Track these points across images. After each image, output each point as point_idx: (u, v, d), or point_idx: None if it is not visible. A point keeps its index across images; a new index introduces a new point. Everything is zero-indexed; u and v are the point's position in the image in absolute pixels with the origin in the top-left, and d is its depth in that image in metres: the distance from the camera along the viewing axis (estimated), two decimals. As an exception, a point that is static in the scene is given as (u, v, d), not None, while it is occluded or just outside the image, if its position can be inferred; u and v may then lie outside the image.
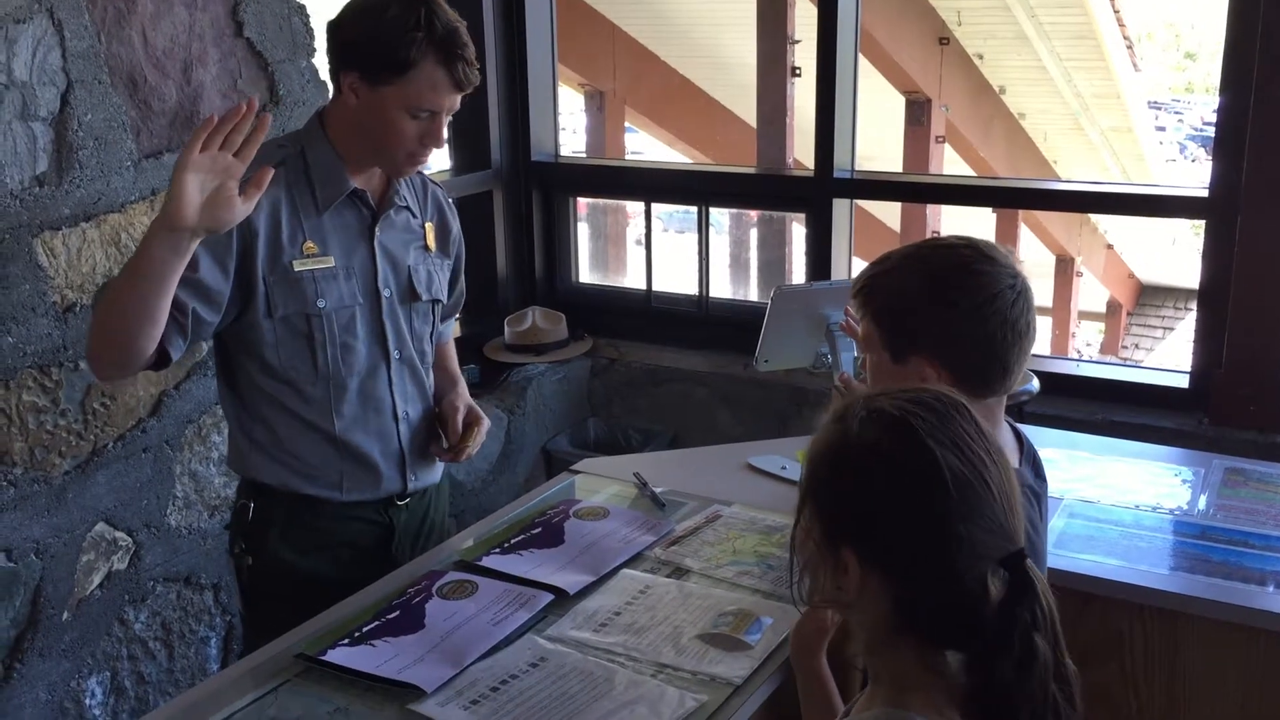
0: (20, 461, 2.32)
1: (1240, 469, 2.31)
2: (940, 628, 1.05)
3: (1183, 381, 3.05)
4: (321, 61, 2.94)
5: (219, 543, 2.73)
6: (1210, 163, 2.86)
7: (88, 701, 2.51)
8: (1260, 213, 2.72)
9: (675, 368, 3.68)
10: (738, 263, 6.58)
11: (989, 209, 7.07)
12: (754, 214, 5.85)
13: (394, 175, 1.93)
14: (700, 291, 3.76)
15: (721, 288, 3.84)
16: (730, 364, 3.62)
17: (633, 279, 4.64)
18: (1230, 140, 2.78)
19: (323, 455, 1.91)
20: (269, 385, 1.89)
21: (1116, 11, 6.48)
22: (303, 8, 2.81)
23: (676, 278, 4.13)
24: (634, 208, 5.69)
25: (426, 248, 2.01)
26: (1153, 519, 2.09)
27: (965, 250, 1.42)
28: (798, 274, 5.11)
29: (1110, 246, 9.07)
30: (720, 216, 9.40)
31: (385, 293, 1.93)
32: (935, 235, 1.70)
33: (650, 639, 1.60)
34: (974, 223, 7.23)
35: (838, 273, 3.46)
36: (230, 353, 1.89)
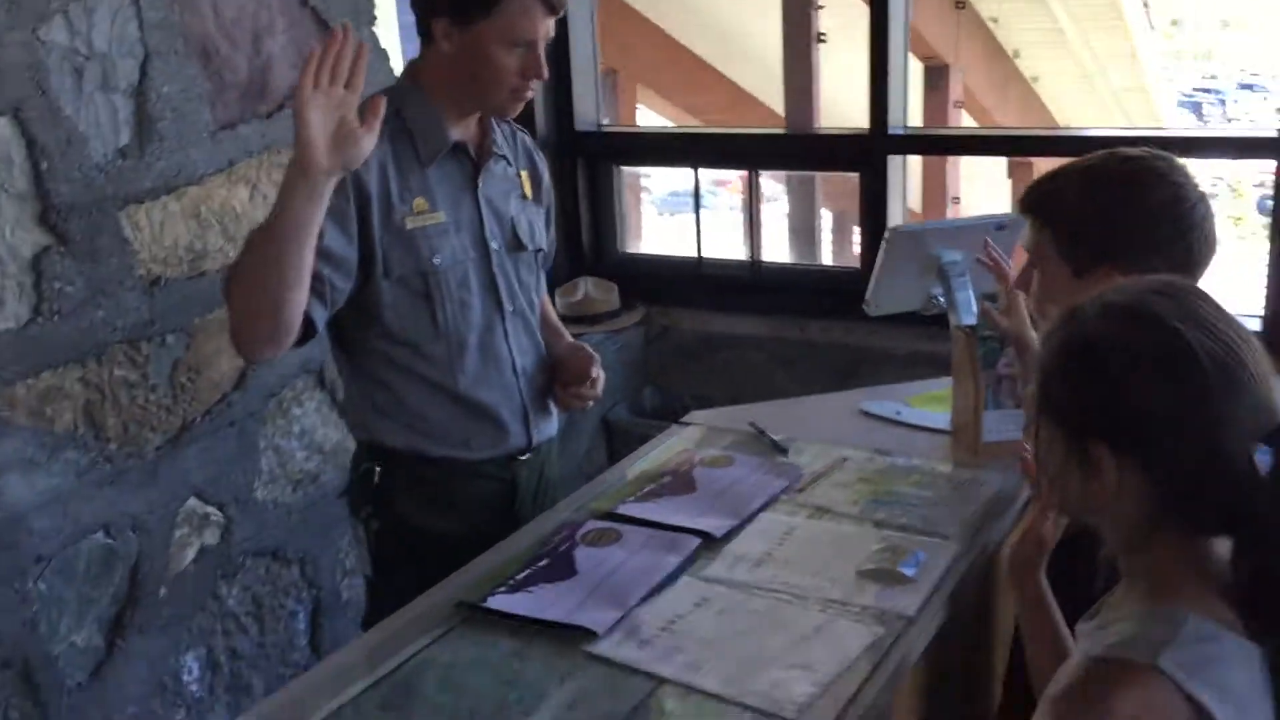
0: (115, 437, 2.30)
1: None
2: (1209, 513, 1.03)
3: (1254, 326, 3.05)
4: (382, 28, 2.93)
5: (304, 517, 2.71)
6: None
7: (185, 678, 2.49)
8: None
9: (729, 333, 3.67)
10: (769, 228, 6.54)
11: (1004, 167, 7.08)
12: (782, 177, 5.81)
13: (500, 116, 1.90)
14: (751, 256, 3.75)
15: (767, 252, 3.81)
16: (785, 327, 3.61)
17: (680, 247, 4.60)
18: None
19: (448, 414, 1.89)
20: (389, 348, 1.86)
21: (1133, -32, 6.49)
22: (364, -25, 2.78)
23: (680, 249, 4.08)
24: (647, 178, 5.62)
25: (524, 196, 1.99)
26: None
27: (1159, 160, 1.42)
28: (829, 235, 5.06)
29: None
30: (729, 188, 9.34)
31: (494, 245, 1.91)
32: (1113, 149, 1.66)
33: (809, 577, 1.60)
34: (988, 179, 7.23)
35: (894, 230, 3.45)
36: (346, 319, 1.85)
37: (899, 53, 3.33)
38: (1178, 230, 1.40)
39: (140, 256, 2.33)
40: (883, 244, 2.04)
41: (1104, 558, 1.12)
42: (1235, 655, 1.00)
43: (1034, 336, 1.69)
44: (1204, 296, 1.07)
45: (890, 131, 3.35)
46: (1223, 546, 1.05)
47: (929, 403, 2.20)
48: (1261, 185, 8.61)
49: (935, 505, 1.79)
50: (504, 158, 1.95)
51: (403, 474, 1.90)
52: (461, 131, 1.88)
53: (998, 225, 1.98)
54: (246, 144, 2.52)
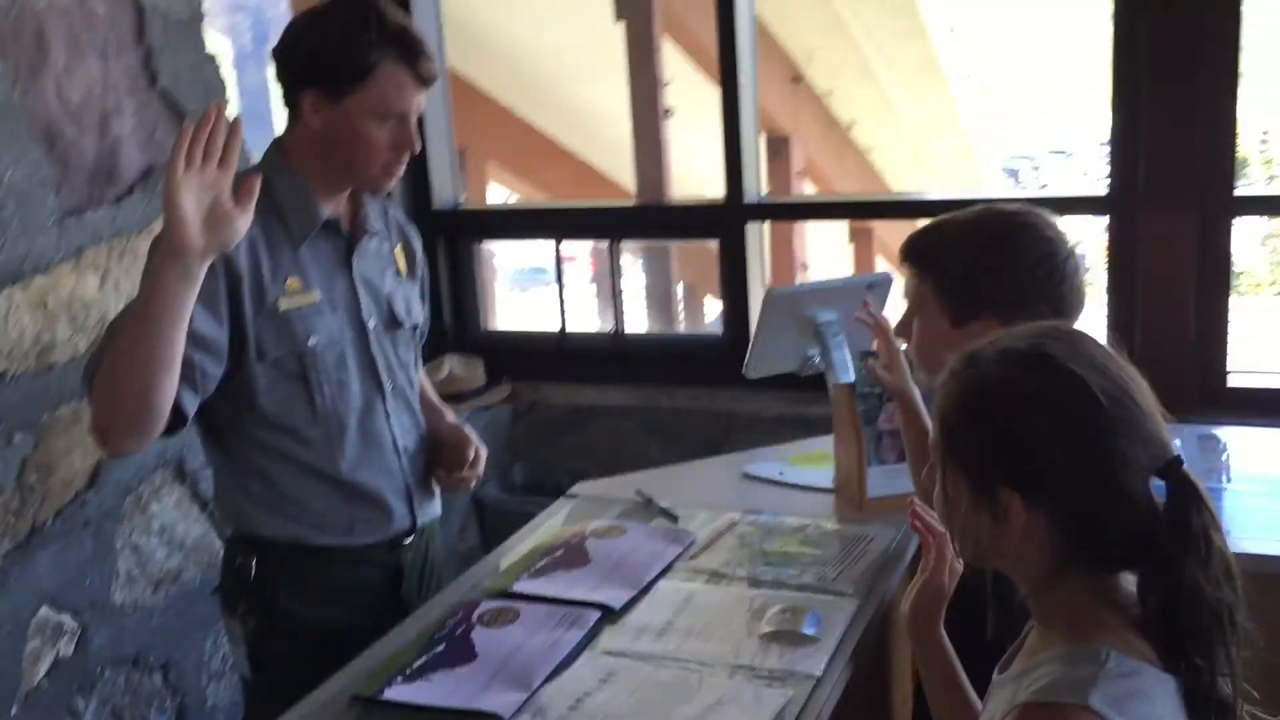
0: (-42, 546, 2.15)
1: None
2: (1114, 549, 1.06)
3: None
4: (232, 110, 2.87)
5: (165, 619, 2.57)
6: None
7: (42, 804, 2.31)
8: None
9: (597, 405, 3.65)
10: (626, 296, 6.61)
11: (845, 233, 7.33)
12: (635, 249, 5.90)
13: (372, 191, 1.85)
14: (615, 327, 3.76)
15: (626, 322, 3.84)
16: (653, 396, 3.62)
17: (535, 321, 4.61)
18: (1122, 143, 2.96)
19: (329, 500, 1.82)
20: (264, 434, 1.79)
21: (955, 42, 6.84)
22: (213, 57, 2.72)
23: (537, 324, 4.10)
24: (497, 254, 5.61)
25: (399, 272, 1.95)
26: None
27: (1032, 215, 1.48)
28: (683, 302, 5.15)
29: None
30: (584, 260, 9.40)
31: (370, 323, 1.86)
32: (990, 204, 1.73)
33: (713, 643, 1.58)
34: (830, 246, 7.48)
35: (754, 296, 3.52)
36: (218, 406, 1.77)
37: (750, 124, 3.42)
38: (1051, 281, 1.46)
39: (-18, 351, 2.20)
40: (761, 307, 2.07)
41: (995, 603, 1.14)
42: (1155, 688, 1.02)
43: (915, 389, 1.73)
44: (1091, 339, 1.11)
45: (746, 200, 3.43)
46: (1130, 580, 1.09)
47: (810, 462, 2.23)
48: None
49: (827, 563, 1.80)
50: (377, 234, 1.91)
51: (282, 565, 1.82)
52: (333, 208, 1.84)
53: (869, 284, 2.03)
54: (95, 230, 2.42)
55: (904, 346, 1.74)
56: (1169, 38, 2.83)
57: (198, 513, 2.65)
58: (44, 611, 2.31)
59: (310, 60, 1.75)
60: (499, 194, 8.70)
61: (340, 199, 1.86)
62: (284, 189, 1.79)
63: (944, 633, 1.30)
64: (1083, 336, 1.11)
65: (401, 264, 1.96)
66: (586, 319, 5.90)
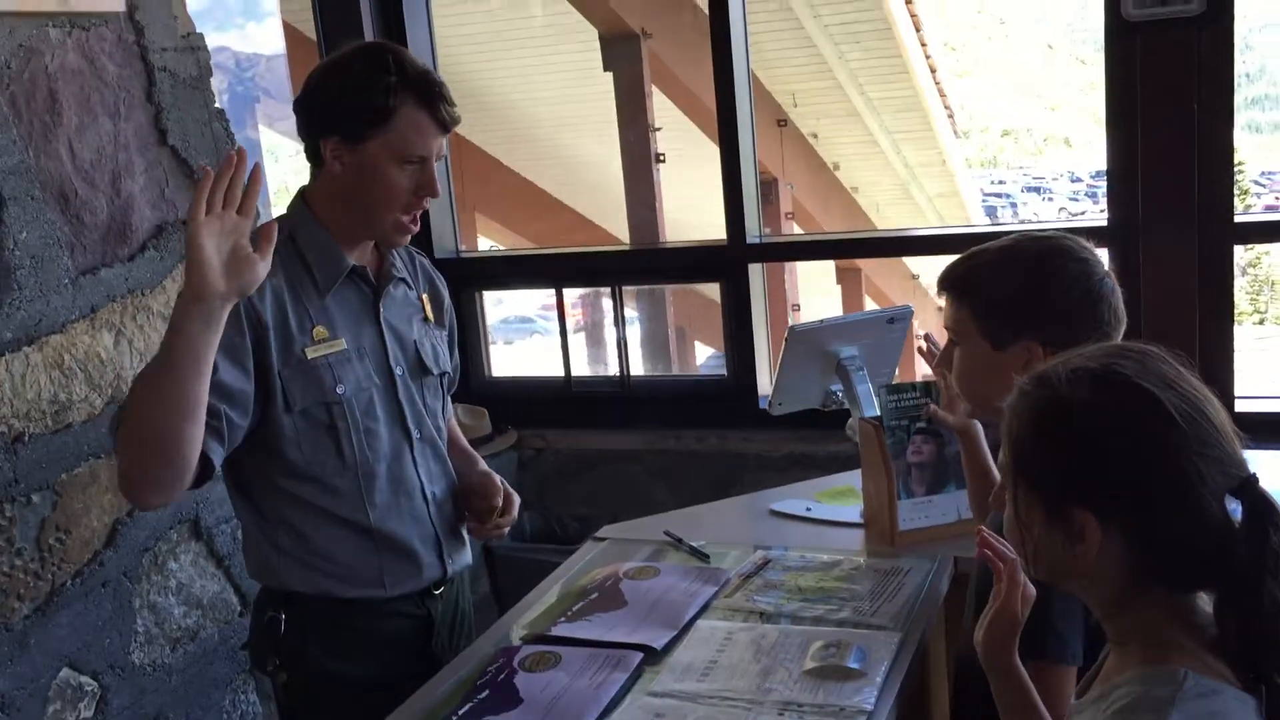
0: (-22, 609, 2.12)
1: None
2: (1192, 569, 1.05)
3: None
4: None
5: (184, 678, 2.54)
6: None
7: None
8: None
9: (604, 449, 3.65)
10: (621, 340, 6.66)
11: (832, 275, 7.38)
12: (630, 292, 5.93)
13: (392, 240, 1.85)
14: (621, 371, 3.77)
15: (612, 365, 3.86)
16: (660, 439, 3.62)
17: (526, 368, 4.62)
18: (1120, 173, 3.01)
19: (359, 551, 1.81)
20: (292, 485, 1.78)
21: (938, 83, 6.96)
22: (221, 112, 2.73)
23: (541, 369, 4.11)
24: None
25: (426, 319, 1.96)
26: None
27: (1067, 239, 1.50)
28: (680, 342, 5.16)
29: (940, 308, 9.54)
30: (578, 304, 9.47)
31: (398, 371, 1.86)
32: (1023, 232, 1.75)
33: (758, 680, 1.58)
34: (820, 288, 7.53)
35: (758, 335, 3.53)
36: (244, 458, 1.76)
37: (749, 166, 3.46)
38: (1090, 301, 1.48)
39: (1, 412, 2.18)
40: (784, 344, 2.08)
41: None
42: (1235, 708, 1.02)
43: (978, 426, 1.74)
44: (1162, 357, 1.11)
45: (748, 241, 3.46)
46: (1205, 600, 1.08)
47: (835, 497, 2.23)
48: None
49: (864, 598, 1.80)
50: (404, 280, 1.92)
51: (312, 620, 1.81)
52: (358, 256, 1.84)
53: (889, 319, 2.05)
54: (109, 288, 2.41)
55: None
56: (1163, 66, 2.88)
57: (214, 569, 2.63)
58: (64, 673, 2.28)
59: (331, 106, 1.76)
60: (484, 245, 8.73)
61: (366, 248, 1.86)
62: (309, 239, 1.80)
63: (1019, 661, 1.29)
64: (1154, 355, 1.10)
65: (429, 311, 1.96)
66: (578, 366, 5.92)
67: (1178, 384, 1.07)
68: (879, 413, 1.99)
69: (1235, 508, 1.05)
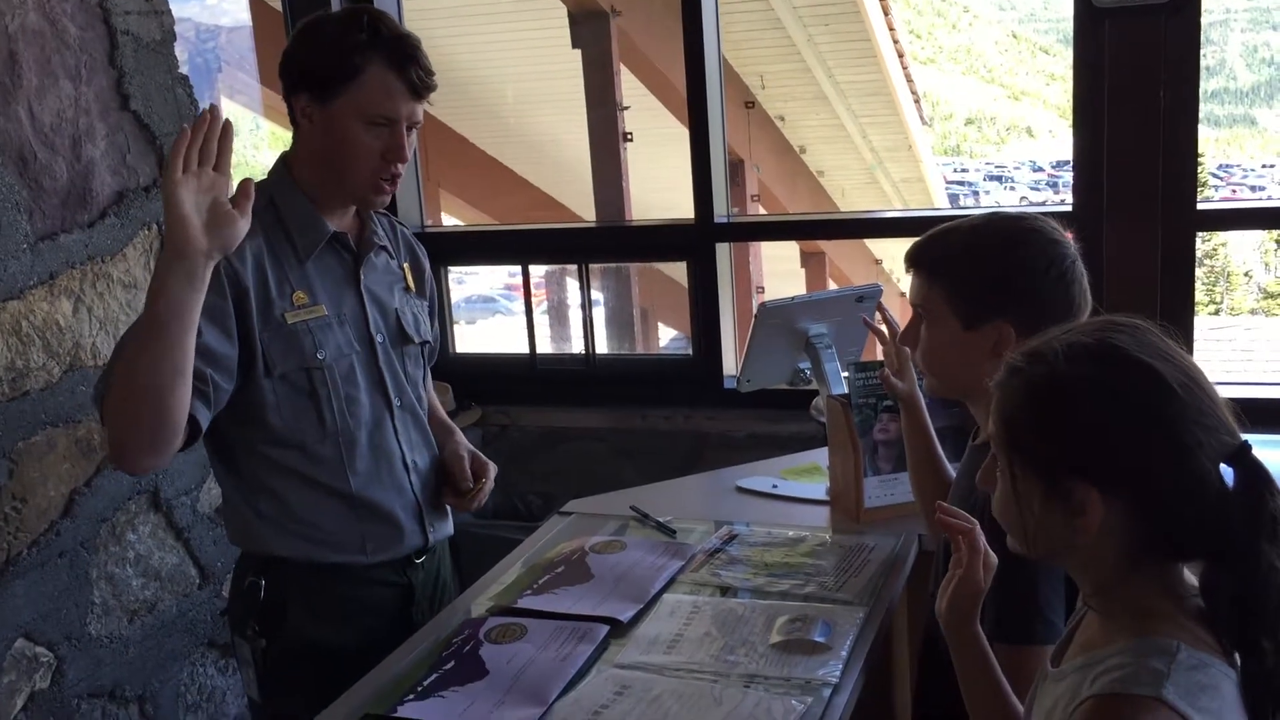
0: (-68, 578, 2.09)
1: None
2: (1190, 539, 1.06)
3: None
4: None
5: (141, 650, 2.52)
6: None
7: (17, 844, 2.24)
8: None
9: (569, 427, 3.64)
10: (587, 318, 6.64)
11: (797, 257, 7.39)
12: (594, 270, 5.92)
13: (369, 202, 1.83)
14: (586, 349, 3.76)
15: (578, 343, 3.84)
16: (624, 418, 3.62)
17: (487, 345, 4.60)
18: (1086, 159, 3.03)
19: (340, 518, 1.80)
20: (273, 452, 1.77)
21: (905, 68, 6.98)
22: (185, 78, 2.69)
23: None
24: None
25: (408, 288, 1.95)
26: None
27: (1038, 220, 1.50)
28: (644, 323, 5.16)
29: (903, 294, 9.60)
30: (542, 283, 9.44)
31: (378, 338, 1.85)
32: (995, 211, 1.74)
33: (725, 654, 1.58)
34: (783, 268, 7.54)
35: (724, 315, 3.53)
36: (226, 423, 1.74)
37: (719, 146, 3.45)
38: (1064, 283, 1.49)
39: (-44, 378, 2.14)
40: (754, 320, 2.08)
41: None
42: (1222, 681, 1.03)
43: (921, 396, 1.75)
44: (1151, 329, 1.11)
45: (716, 220, 3.45)
46: (1189, 573, 1.09)
47: (800, 475, 2.24)
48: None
49: (829, 573, 1.81)
50: (385, 249, 1.90)
51: (293, 585, 1.80)
52: (339, 222, 1.83)
53: (858, 297, 2.05)
54: (69, 254, 2.37)
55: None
56: (1130, 53, 2.90)
57: (173, 541, 2.61)
58: (20, 644, 2.25)
59: (303, 64, 1.75)
60: (448, 222, 8.65)
61: (347, 214, 1.85)
62: (289, 204, 1.78)
63: (980, 631, 1.30)
64: (1145, 328, 1.10)
65: (410, 280, 1.95)
66: (543, 344, 5.91)
67: (1171, 355, 1.08)
68: (846, 390, 2.00)
69: (1229, 475, 1.05)
